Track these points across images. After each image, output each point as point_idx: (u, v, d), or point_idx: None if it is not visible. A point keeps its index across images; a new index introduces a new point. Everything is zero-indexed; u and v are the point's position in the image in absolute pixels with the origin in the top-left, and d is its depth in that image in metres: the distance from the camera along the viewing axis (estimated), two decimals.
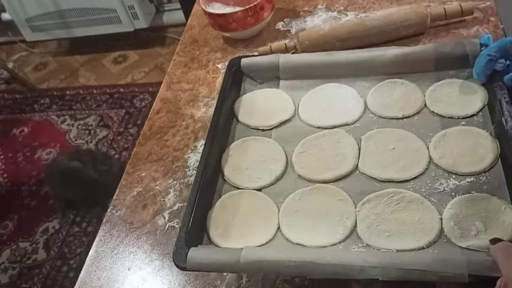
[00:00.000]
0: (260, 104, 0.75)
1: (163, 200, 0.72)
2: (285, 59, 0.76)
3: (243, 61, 0.77)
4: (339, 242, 0.56)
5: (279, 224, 0.59)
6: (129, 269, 0.66)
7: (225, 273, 0.61)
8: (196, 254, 0.54)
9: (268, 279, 0.60)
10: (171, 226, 0.68)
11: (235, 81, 0.77)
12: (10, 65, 2.68)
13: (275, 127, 0.71)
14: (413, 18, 0.81)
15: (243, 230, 0.60)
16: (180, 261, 0.55)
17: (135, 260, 0.66)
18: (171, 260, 0.64)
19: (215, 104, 0.72)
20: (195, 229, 0.58)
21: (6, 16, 2.61)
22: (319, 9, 0.96)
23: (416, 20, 0.81)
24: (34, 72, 2.63)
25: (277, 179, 0.64)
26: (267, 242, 0.58)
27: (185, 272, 0.63)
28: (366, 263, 0.50)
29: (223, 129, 0.71)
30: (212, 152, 0.66)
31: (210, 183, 0.64)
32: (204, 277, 0.62)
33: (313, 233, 0.57)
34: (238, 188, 0.65)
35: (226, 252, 0.55)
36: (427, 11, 0.81)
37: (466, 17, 0.82)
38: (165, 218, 0.70)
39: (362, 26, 0.83)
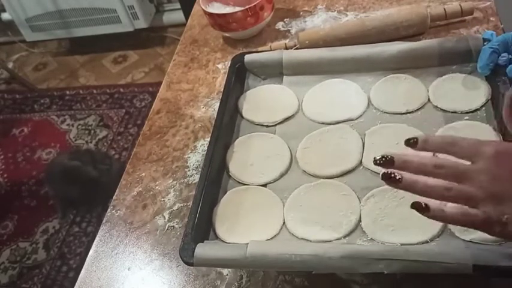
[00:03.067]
0: (264, 100, 0.75)
1: (163, 200, 0.72)
2: (288, 55, 0.76)
3: (247, 57, 0.77)
4: (344, 237, 0.57)
5: (284, 219, 0.60)
6: (129, 269, 0.66)
7: (225, 274, 0.62)
8: (202, 249, 0.55)
9: (268, 279, 0.60)
10: (171, 226, 0.68)
11: (239, 77, 0.77)
12: (10, 65, 2.68)
13: (279, 123, 0.72)
14: (413, 18, 0.81)
15: (248, 225, 0.60)
16: (187, 257, 0.55)
17: (135, 260, 0.66)
18: (171, 260, 0.65)
19: (219, 101, 0.73)
20: (201, 225, 0.58)
21: (6, 16, 2.61)
22: (319, 9, 0.96)
23: (416, 20, 0.81)
24: (34, 72, 2.63)
25: (282, 175, 0.65)
26: (273, 237, 0.58)
27: (185, 272, 0.63)
28: (370, 255, 0.50)
29: (227, 125, 0.71)
30: (217, 148, 0.67)
31: (215, 180, 0.65)
32: (204, 277, 0.62)
33: (318, 227, 0.58)
34: (244, 184, 0.65)
35: (233, 248, 0.55)
36: (427, 11, 0.81)
37: (466, 17, 0.82)
38: (165, 218, 0.70)
39: (362, 26, 0.83)
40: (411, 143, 0.47)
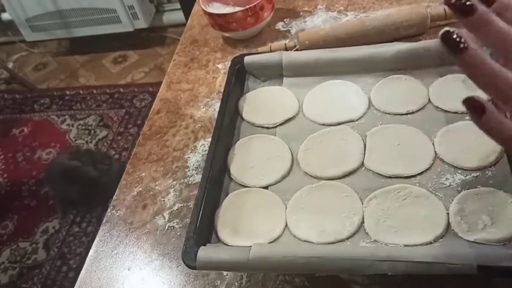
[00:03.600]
0: (264, 101, 0.75)
1: (163, 200, 0.72)
2: (288, 56, 0.76)
3: (246, 59, 0.77)
4: (347, 238, 0.56)
5: (286, 222, 0.60)
6: (129, 269, 0.66)
7: (225, 273, 0.62)
8: (205, 253, 0.55)
9: (268, 279, 0.60)
10: (171, 226, 0.68)
11: (239, 79, 0.77)
12: (10, 65, 2.68)
13: (280, 125, 0.71)
14: (413, 18, 0.81)
15: (251, 227, 0.60)
16: (189, 261, 0.55)
17: (135, 260, 0.66)
18: (171, 260, 0.65)
19: (219, 103, 0.72)
20: (203, 228, 0.58)
21: (6, 16, 2.62)
22: (319, 9, 0.96)
23: (416, 21, 0.81)
24: (34, 72, 2.63)
25: (284, 177, 0.64)
26: (275, 240, 0.58)
27: (185, 272, 0.63)
28: (374, 257, 0.50)
29: (228, 127, 0.71)
30: (218, 150, 0.66)
31: (216, 182, 0.65)
32: (204, 277, 0.62)
33: (321, 229, 0.57)
34: (245, 186, 0.65)
35: (235, 251, 0.55)
36: (427, 11, 0.81)
37: None
38: (165, 218, 0.70)
39: (362, 26, 0.83)
40: None
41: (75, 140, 2.15)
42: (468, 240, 0.52)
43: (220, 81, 0.88)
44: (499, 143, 0.34)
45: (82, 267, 0.68)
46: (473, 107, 0.33)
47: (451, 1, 0.32)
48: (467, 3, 0.31)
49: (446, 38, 0.32)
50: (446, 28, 0.32)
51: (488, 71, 0.32)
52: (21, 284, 1.70)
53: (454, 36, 0.32)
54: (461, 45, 0.31)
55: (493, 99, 0.33)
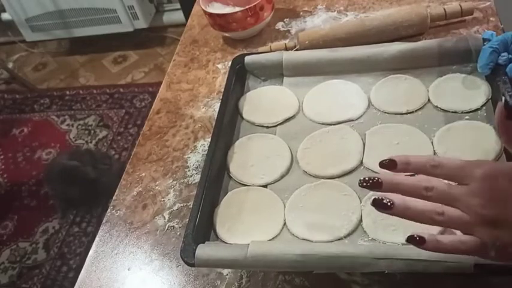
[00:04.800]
0: (264, 101, 0.75)
1: (163, 200, 0.72)
2: (288, 56, 0.76)
3: (247, 59, 0.78)
4: (345, 237, 0.57)
5: (285, 220, 0.60)
6: (129, 269, 0.66)
7: (225, 274, 0.62)
8: (203, 250, 0.55)
9: (268, 279, 0.60)
10: (171, 226, 0.68)
11: (239, 78, 0.77)
12: (10, 65, 2.68)
13: (279, 124, 0.72)
14: (413, 18, 0.81)
15: (249, 226, 0.60)
16: (188, 258, 0.55)
17: (135, 260, 0.66)
18: (171, 260, 0.65)
19: (219, 103, 0.73)
20: (202, 226, 0.59)
21: (6, 16, 2.61)
22: (319, 9, 0.96)
23: (416, 21, 0.81)
24: (34, 72, 2.63)
25: (283, 175, 0.65)
26: (273, 238, 0.58)
27: (185, 272, 0.63)
28: (372, 255, 0.50)
29: (228, 126, 0.71)
30: (218, 149, 0.67)
31: (216, 180, 0.65)
32: (204, 277, 0.62)
33: (319, 227, 0.58)
34: (244, 185, 0.65)
35: (233, 248, 0.55)
36: (427, 11, 0.81)
37: (466, 17, 0.82)
38: (165, 218, 0.70)
39: (362, 26, 0.83)
40: (387, 164, 0.45)
41: (75, 140, 2.15)
42: None
43: (220, 81, 0.88)
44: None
45: (82, 267, 0.68)
46: (414, 240, 0.43)
47: (362, 183, 0.45)
48: (375, 179, 0.44)
49: (376, 202, 0.44)
50: (374, 197, 0.44)
51: (411, 214, 0.43)
52: (21, 284, 1.69)
53: (382, 200, 0.43)
54: (388, 204, 0.43)
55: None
